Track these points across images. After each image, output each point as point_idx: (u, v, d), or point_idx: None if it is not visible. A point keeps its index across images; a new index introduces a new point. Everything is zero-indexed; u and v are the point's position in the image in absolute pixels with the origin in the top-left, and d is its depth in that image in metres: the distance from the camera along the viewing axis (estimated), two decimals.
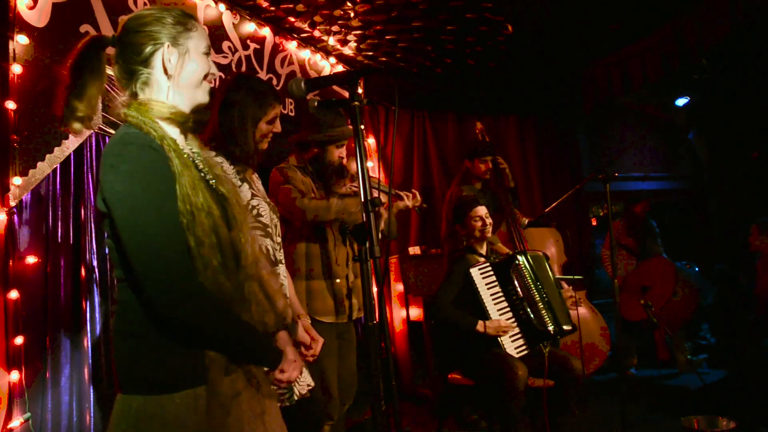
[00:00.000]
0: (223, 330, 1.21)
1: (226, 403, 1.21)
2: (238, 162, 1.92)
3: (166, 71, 1.27)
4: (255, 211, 1.95)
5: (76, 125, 1.24)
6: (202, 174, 1.33)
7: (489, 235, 3.12)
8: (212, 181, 1.35)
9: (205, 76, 1.33)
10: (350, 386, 2.58)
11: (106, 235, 1.25)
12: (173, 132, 1.30)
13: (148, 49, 1.26)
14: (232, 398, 1.23)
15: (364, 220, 1.41)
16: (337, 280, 2.48)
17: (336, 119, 2.52)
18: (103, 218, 1.22)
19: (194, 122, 1.35)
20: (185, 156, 1.26)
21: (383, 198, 2.58)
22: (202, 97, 1.34)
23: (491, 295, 2.95)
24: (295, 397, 1.87)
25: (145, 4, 2.97)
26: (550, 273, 3.13)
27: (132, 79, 1.27)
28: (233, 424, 1.22)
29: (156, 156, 1.18)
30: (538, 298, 2.92)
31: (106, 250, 2.65)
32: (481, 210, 3.09)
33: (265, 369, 1.37)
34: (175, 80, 1.29)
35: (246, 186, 1.94)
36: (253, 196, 1.97)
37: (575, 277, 3.45)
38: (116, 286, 1.26)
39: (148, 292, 1.14)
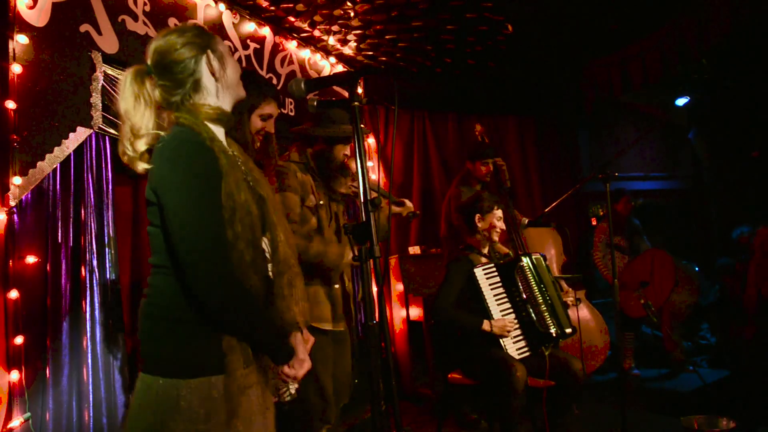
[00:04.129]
0: (249, 319, 1.29)
1: (238, 395, 1.27)
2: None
3: (213, 75, 1.40)
4: None
5: (141, 165, 1.33)
6: (245, 175, 1.44)
7: (496, 238, 3.12)
8: (251, 183, 1.45)
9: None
10: (346, 386, 2.55)
11: (150, 223, 1.34)
12: (219, 132, 1.42)
13: (192, 61, 1.38)
14: (244, 390, 1.30)
15: (364, 219, 1.41)
16: (336, 286, 2.43)
17: (345, 116, 2.38)
18: (149, 206, 1.33)
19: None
20: (231, 156, 1.37)
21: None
22: (242, 90, 1.50)
23: (495, 296, 2.94)
24: (294, 392, 1.86)
25: (145, 4, 2.97)
26: (548, 274, 3.13)
27: (180, 89, 1.38)
28: (242, 415, 1.28)
29: (209, 154, 1.29)
30: (541, 300, 2.92)
31: (106, 250, 2.66)
32: (499, 213, 3.10)
33: (273, 364, 1.42)
34: (223, 82, 1.42)
35: None
36: None
37: (573, 275, 3.45)
38: (152, 271, 1.35)
39: (189, 274, 1.23)
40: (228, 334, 1.28)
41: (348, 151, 2.44)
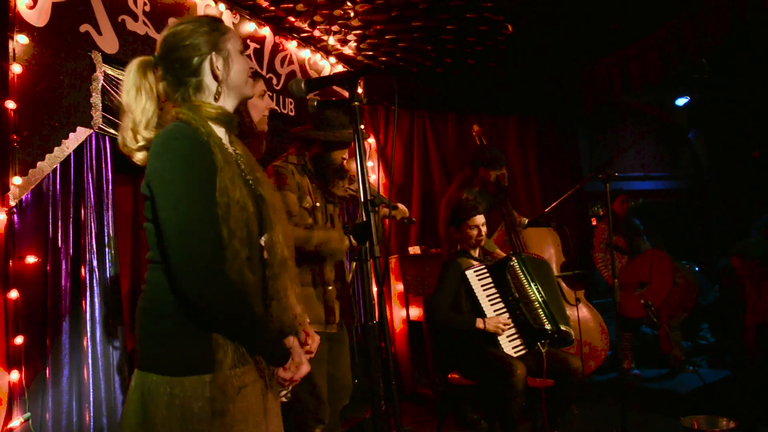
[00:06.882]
0: (239, 319, 1.26)
1: (232, 393, 1.24)
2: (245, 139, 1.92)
3: (216, 77, 1.38)
4: None
5: (140, 155, 1.33)
6: (243, 174, 1.42)
7: (483, 244, 3.16)
8: (251, 182, 1.43)
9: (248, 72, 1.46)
10: (345, 387, 2.51)
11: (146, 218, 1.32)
12: (219, 132, 1.40)
13: (195, 60, 1.37)
14: (239, 389, 1.27)
15: (364, 219, 1.41)
16: (329, 288, 2.40)
17: (345, 120, 2.40)
18: (144, 201, 1.30)
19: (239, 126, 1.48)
20: (229, 153, 1.34)
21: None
22: (249, 90, 1.47)
23: (488, 296, 2.97)
24: (289, 394, 1.85)
25: (145, 4, 2.97)
26: (552, 279, 3.16)
27: (182, 87, 1.37)
28: (237, 415, 1.25)
29: (199, 147, 1.26)
30: (534, 298, 2.94)
31: (106, 250, 2.66)
32: (479, 219, 3.11)
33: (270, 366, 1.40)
34: (226, 83, 1.40)
35: None
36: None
37: (575, 272, 3.45)
38: (148, 266, 1.33)
39: (176, 272, 1.21)
40: (217, 333, 1.25)
41: (346, 155, 2.46)
